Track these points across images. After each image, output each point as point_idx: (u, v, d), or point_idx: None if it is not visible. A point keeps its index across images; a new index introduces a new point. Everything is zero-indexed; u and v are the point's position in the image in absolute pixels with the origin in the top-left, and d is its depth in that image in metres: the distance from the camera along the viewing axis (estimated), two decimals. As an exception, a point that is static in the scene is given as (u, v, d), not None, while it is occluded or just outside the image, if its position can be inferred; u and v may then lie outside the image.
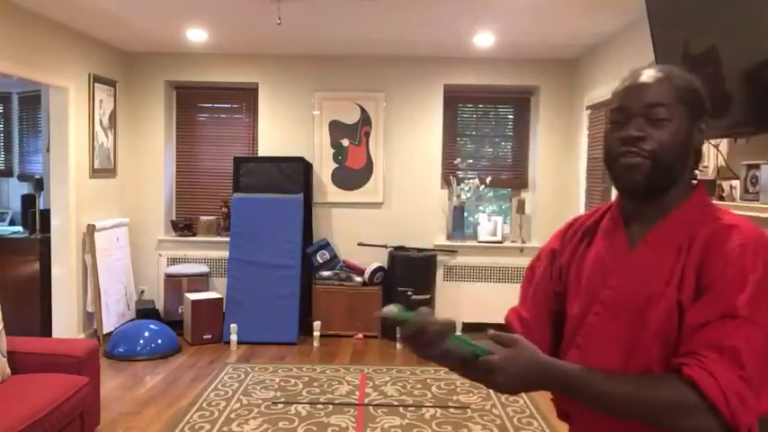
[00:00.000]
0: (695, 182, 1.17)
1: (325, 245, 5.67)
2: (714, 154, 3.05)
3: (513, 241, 5.79)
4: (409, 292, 5.36)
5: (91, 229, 5.07)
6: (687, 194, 1.16)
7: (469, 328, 5.51)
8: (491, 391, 4.16)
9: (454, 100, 5.90)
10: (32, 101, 6.14)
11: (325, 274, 5.52)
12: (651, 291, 1.09)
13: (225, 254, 5.54)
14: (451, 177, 5.81)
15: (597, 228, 1.24)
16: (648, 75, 1.14)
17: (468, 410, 3.86)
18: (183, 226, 5.84)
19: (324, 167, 5.81)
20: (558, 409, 1.27)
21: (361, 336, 5.41)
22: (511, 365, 1.04)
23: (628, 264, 1.14)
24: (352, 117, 5.80)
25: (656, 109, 1.11)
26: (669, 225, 1.13)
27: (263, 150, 5.79)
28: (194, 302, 5.18)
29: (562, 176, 5.72)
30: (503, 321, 1.31)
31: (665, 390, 1.00)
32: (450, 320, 1.08)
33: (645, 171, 1.10)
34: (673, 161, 1.11)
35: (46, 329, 4.91)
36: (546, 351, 1.13)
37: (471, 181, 5.77)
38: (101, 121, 5.31)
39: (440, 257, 5.69)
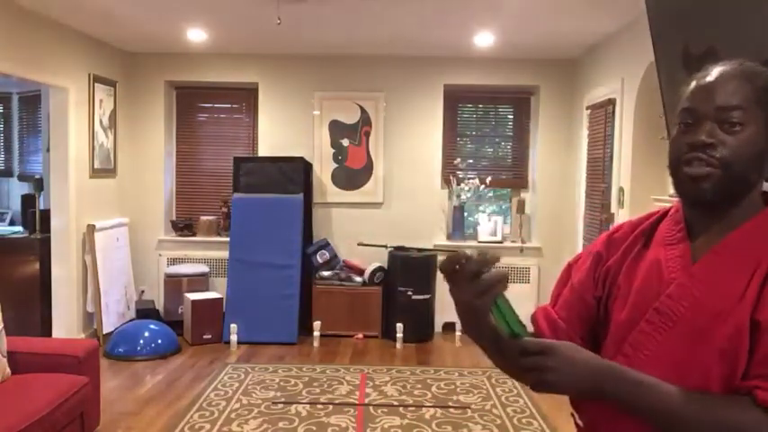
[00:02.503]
0: None
1: (325, 245, 5.67)
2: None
3: (513, 241, 5.79)
4: (409, 292, 5.36)
5: (91, 229, 5.07)
6: (761, 205, 1.05)
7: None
8: (491, 391, 4.16)
9: (454, 100, 5.90)
10: (32, 101, 6.14)
11: (325, 274, 5.51)
12: (719, 306, 0.99)
13: (225, 254, 5.54)
14: (451, 177, 5.81)
15: (653, 234, 1.13)
16: (721, 73, 1.02)
17: (468, 410, 3.86)
18: (183, 226, 5.84)
19: (324, 167, 5.81)
20: (582, 418, 1.15)
21: (361, 336, 5.41)
22: (565, 356, 0.97)
23: (691, 274, 1.03)
24: (352, 117, 5.79)
25: (729, 112, 0.99)
26: (741, 236, 1.02)
27: (263, 150, 5.79)
28: (194, 302, 5.18)
29: (562, 176, 5.71)
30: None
31: (737, 413, 0.93)
32: (504, 273, 0.97)
33: (713, 180, 0.99)
34: (746, 170, 1.00)
35: (46, 329, 4.91)
36: None
37: (471, 181, 5.76)
38: (101, 121, 5.31)
39: (440, 257, 5.68)
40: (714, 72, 1.03)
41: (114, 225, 5.42)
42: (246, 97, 5.94)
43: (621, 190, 4.33)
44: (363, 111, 5.79)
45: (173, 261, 5.78)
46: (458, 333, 5.48)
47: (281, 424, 3.61)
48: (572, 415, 1.18)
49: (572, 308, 1.17)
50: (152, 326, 4.99)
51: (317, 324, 5.30)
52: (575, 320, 1.17)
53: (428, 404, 3.96)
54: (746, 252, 1.01)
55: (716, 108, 1.00)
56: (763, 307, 0.96)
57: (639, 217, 1.20)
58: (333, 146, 5.81)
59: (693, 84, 1.05)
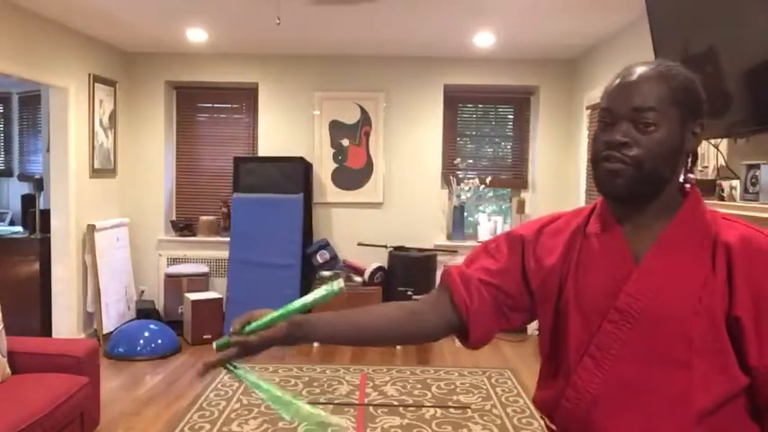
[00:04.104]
0: (689, 185, 1.11)
1: (325, 245, 5.66)
2: (714, 154, 3.06)
3: (513, 241, 5.78)
4: (409, 292, 5.36)
5: (91, 229, 5.07)
6: (681, 198, 1.10)
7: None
8: (491, 391, 4.17)
9: (454, 100, 5.90)
10: (32, 101, 6.14)
11: (326, 274, 5.51)
12: (680, 303, 1.03)
13: (225, 254, 5.54)
14: (451, 177, 5.81)
15: (585, 230, 1.17)
16: (639, 74, 1.08)
17: (468, 410, 3.86)
18: (183, 226, 5.84)
19: (324, 167, 5.81)
20: (555, 422, 1.17)
21: (361, 336, 5.40)
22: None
23: (641, 271, 1.07)
24: (352, 117, 5.79)
25: (643, 113, 1.04)
26: (677, 230, 1.08)
27: (263, 150, 5.79)
28: (194, 302, 5.18)
29: (562, 176, 5.72)
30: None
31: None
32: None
33: (626, 177, 1.05)
34: (658, 167, 1.05)
35: (46, 329, 4.91)
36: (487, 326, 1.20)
37: (471, 181, 5.76)
38: (101, 121, 5.31)
39: (440, 257, 5.69)
40: (633, 73, 1.09)
41: (114, 225, 5.42)
42: (246, 97, 5.94)
43: (621, 190, 4.32)
44: (363, 111, 5.79)
45: (173, 261, 5.78)
46: (458, 333, 5.48)
47: (281, 424, 3.60)
48: (542, 418, 1.20)
49: (483, 297, 1.20)
50: (152, 326, 4.99)
51: (317, 324, 5.29)
52: (486, 310, 1.20)
53: (428, 404, 3.96)
54: (687, 245, 1.06)
55: (631, 109, 1.06)
56: (739, 302, 1.01)
57: (571, 211, 1.24)
58: (333, 146, 5.81)
59: (615, 83, 1.10)
